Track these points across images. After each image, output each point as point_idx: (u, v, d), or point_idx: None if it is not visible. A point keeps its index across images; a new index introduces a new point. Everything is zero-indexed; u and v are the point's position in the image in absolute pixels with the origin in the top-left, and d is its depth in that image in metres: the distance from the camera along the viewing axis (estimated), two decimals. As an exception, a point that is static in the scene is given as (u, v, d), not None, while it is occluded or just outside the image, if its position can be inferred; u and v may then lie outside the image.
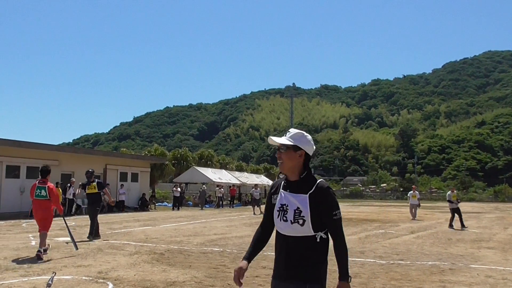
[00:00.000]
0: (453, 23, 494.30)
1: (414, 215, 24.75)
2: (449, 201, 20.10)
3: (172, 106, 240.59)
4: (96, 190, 13.43)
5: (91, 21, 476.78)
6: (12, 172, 23.24)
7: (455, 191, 20.43)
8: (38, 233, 9.80)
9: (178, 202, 32.23)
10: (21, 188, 23.02)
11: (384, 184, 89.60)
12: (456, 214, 19.52)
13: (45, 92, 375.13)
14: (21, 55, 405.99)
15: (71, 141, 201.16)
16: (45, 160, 24.43)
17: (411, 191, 25.55)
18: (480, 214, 31.09)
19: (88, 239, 12.65)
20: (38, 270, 8.18)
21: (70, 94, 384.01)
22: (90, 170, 13.99)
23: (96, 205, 13.51)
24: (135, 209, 29.56)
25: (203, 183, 36.46)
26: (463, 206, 40.42)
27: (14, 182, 23.15)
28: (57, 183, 22.03)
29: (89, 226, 13.27)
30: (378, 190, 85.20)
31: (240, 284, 2.87)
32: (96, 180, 13.74)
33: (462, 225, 19.04)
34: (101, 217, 22.28)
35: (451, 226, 19.22)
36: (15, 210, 22.31)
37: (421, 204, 26.71)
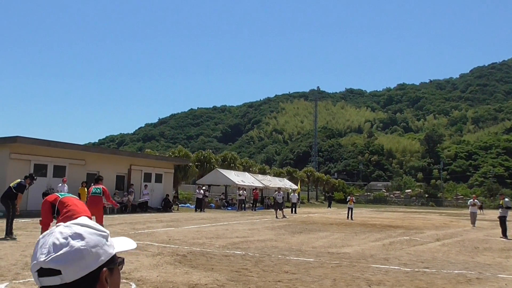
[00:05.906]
0: (482, 28, 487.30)
1: (474, 223, 24.77)
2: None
3: (196, 108, 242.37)
4: None
5: (118, 23, 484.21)
6: (40, 170, 23.58)
7: (504, 199, 20.06)
8: None
9: (201, 204, 32.31)
10: (48, 186, 23.30)
11: (409, 190, 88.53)
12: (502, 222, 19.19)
13: (73, 93, 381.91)
14: (49, 56, 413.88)
15: (96, 141, 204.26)
16: (71, 159, 24.87)
17: (471, 200, 25.82)
18: (509, 222, 30.38)
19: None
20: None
21: (97, 95, 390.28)
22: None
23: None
24: (158, 210, 29.71)
25: (226, 185, 36.48)
26: (490, 214, 39.70)
27: (41, 180, 23.44)
28: (82, 182, 22.31)
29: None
30: (402, 196, 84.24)
31: None
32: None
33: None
34: (124, 217, 22.55)
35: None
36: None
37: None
